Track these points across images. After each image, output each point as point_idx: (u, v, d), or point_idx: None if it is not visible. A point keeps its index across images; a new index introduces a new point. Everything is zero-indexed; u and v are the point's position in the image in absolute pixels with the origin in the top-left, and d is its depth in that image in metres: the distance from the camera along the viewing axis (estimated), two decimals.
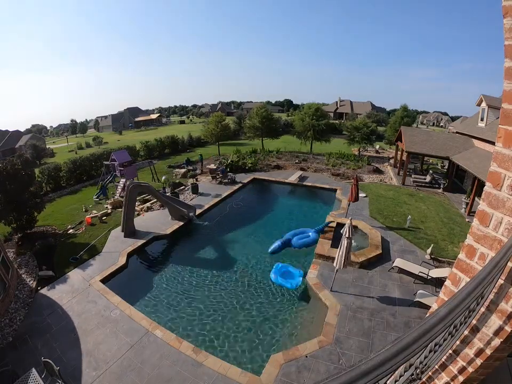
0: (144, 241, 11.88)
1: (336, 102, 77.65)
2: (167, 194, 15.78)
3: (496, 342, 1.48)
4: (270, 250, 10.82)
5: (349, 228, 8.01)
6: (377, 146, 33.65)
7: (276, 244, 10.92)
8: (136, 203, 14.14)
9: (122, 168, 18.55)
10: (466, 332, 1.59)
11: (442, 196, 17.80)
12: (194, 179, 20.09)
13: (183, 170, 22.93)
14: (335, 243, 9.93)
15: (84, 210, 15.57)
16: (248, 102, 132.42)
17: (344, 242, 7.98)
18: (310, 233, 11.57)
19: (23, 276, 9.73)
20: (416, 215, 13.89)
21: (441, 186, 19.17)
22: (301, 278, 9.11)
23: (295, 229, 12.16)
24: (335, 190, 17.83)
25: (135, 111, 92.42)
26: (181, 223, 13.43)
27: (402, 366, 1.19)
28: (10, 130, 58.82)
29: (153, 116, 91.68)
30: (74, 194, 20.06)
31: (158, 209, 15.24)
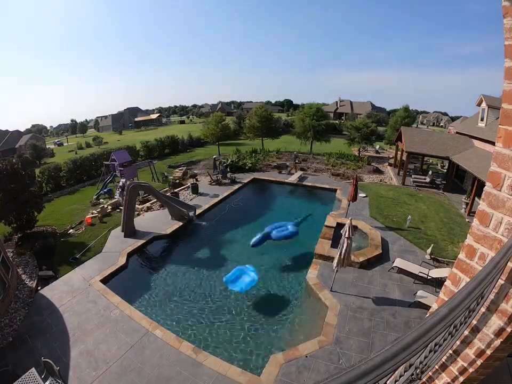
0: (144, 241, 11.87)
1: (336, 102, 77.66)
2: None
3: (496, 342, 1.48)
4: (251, 243, 10.95)
5: (349, 227, 8.01)
6: (377, 147, 33.64)
7: (256, 237, 11.07)
8: (136, 203, 14.14)
9: (122, 168, 18.56)
10: (466, 332, 1.59)
11: (442, 195, 17.80)
12: (194, 179, 20.09)
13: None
14: (335, 243, 9.92)
15: (91, 204, 16.04)
16: (248, 102, 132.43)
17: (344, 242, 7.99)
18: (289, 226, 11.77)
19: (23, 276, 9.73)
20: (416, 215, 13.89)
21: (441, 186, 19.20)
22: (253, 282, 8.54)
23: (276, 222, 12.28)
24: (335, 190, 17.82)
25: (135, 111, 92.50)
26: (181, 223, 13.43)
27: (402, 366, 1.19)
28: (10, 130, 58.87)
29: (153, 116, 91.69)
30: (74, 194, 20.07)
31: (158, 209, 15.24)
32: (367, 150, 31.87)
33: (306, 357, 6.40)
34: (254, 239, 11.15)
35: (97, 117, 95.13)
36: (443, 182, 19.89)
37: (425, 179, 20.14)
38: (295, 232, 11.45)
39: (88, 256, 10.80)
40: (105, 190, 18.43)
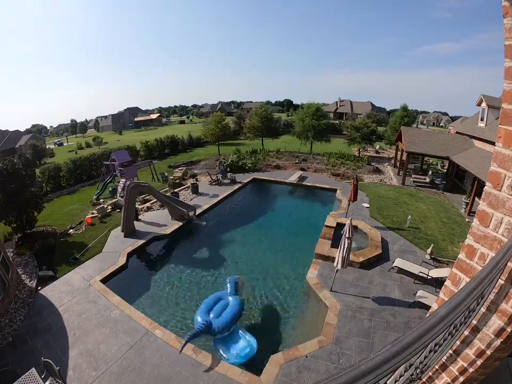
0: (144, 241, 11.87)
1: (336, 102, 77.64)
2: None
3: (496, 342, 1.48)
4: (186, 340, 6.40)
5: (349, 227, 8.01)
6: (377, 147, 33.64)
7: (187, 336, 6.46)
8: (136, 203, 14.14)
9: (122, 168, 18.57)
10: (466, 332, 1.59)
11: (442, 195, 17.80)
12: (194, 179, 20.09)
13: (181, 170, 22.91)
14: (335, 243, 9.92)
15: (91, 204, 16.08)
16: (248, 102, 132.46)
17: (345, 242, 7.98)
18: (230, 299, 7.52)
19: (23, 276, 9.73)
20: (416, 215, 13.89)
21: (440, 186, 19.21)
22: (252, 350, 6.44)
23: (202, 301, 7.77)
24: (335, 190, 17.82)
25: (135, 111, 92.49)
26: (181, 223, 13.43)
27: (402, 366, 1.19)
28: (10, 130, 58.89)
29: (153, 116, 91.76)
30: (74, 194, 20.07)
31: (158, 209, 15.24)
32: (367, 150, 31.86)
33: (306, 357, 6.40)
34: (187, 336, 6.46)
35: (97, 117, 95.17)
36: (443, 182, 19.89)
37: (425, 179, 20.14)
38: (240, 309, 7.36)
39: (88, 256, 10.80)
40: (110, 190, 18.46)
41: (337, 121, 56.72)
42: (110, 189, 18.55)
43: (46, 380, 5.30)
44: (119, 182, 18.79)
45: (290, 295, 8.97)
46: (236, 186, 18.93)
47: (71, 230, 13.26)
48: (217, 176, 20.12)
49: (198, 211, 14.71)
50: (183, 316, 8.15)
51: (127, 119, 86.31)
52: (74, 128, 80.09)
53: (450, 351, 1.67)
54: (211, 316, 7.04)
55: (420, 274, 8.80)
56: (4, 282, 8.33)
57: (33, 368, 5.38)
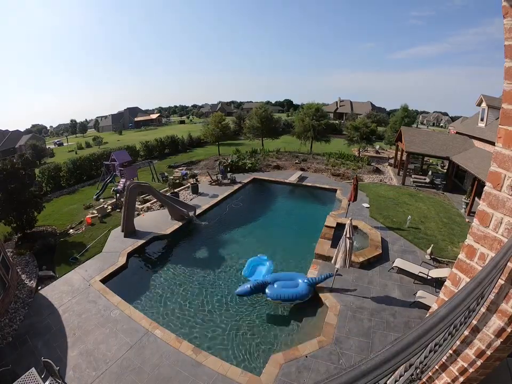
0: (144, 241, 11.87)
1: (336, 102, 77.60)
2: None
3: (496, 342, 1.48)
4: (236, 291, 8.41)
5: (349, 227, 8.01)
6: (377, 147, 33.65)
7: (246, 285, 8.34)
8: (136, 203, 14.14)
9: (122, 168, 18.56)
10: (466, 332, 1.59)
11: (442, 196, 17.81)
12: (194, 179, 20.09)
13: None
14: (335, 243, 9.92)
15: (84, 208, 15.74)
16: (248, 102, 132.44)
17: (345, 242, 7.97)
18: (300, 281, 8.50)
19: (23, 276, 9.73)
20: (416, 215, 13.89)
21: (440, 186, 19.21)
22: (270, 270, 8.75)
23: (280, 272, 9.27)
24: (335, 190, 17.82)
25: (135, 111, 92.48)
26: (181, 223, 13.43)
27: (402, 366, 1.19)
28: (10, 130, 58.90)
29: (153, 116, 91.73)
30: (74, 194, 20.07)
31: (158, 209, 15.24)
32: (367, 150, 31.87)
33: (306, 357, 6.40)
34: (241, 288, 8.40)
35: (97, 117, 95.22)
36: (443, 182, 19.89)
37: (425, 179, 20.14)
38: (305, 295, 8.15)
39: (88, 256, 10.80)
40: (113, 190, 18.32)
41: (337, 121, 56.72)
42: (113, 188, 18.27)
43: (46, 379, 5.30)
44: (119, 182, 18.78)
45: None
46: (236, 187, 18.93)
47: (71, 230, 13.26)
48: (217, 176, 20.12)
49: (198, 211, 14.71)
50: (183, 315, 8.14)
51: (127, 119, 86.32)
52: (74, 128, 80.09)
53: (450, 351, 1.68)
54: (275, 285, 8.37)
55: (420, 274, 8.80)
56: (4, 282, 8.33)
57: (33, 368, 5.38)
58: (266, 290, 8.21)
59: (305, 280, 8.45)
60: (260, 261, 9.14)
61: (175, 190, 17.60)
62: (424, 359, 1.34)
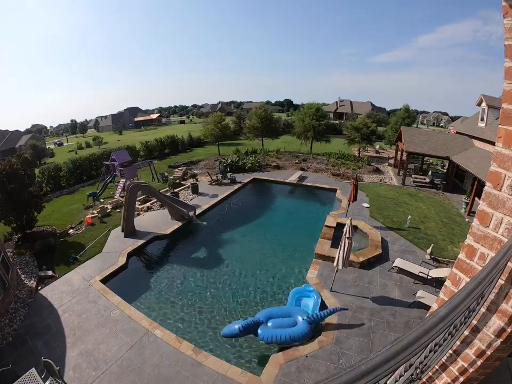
0: (144, 241, 11.87)
1: (336, 102, 77.59)
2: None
3: (497, 342, 1.48)
4: (223, 332, 6.95)
5: (349, 227, 8.01)
6: (377, 147, 33.65)
7: (235, 326, 6.87)
8: (136, 203, 14.14)
9: (122, 168, 18.56)
10: (466, 332, 1.59)
11: (442, 195, 17.81)
12: (194, 179, 20.09)
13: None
14: (335, 243, 9.93)
15: (84, 208, 15.65)
16: (248, 102, 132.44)
17: (345, 242, 7.98)
18: (300, 319, 7.22)
19: (23, 276, 9.73)
20: (416, 215, 13.89)
21: (440, 186, 19.21)
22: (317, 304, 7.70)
23: (271, 308, 7.84)
24: (335, 190, 17.82)
25: (135, 111, 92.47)
26: (181, 223, 13.43)
27: (402, 366, 1.19)
28: (10, 130, 58.88)
29: (153, 116, 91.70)
30: (74, 194, 20.07)
31: (158, 209, 15.24)
32: (367, 150, 31.87)
33: (306, 357, 6.40)
34: (228, 328, 6.92)
35: (97, 117, 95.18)
36: (443, 182, 19.89)
37: (425, 179, 20.14)
38: (304, 336, 6.83)
39: (88, 256, 10.79)
40: (100, 192, 18.25)
41: (337, 121, 56.72)
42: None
43: (46, 379, 5.30)
44: (119, 182, 18.78)
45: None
46: (236, 186, 18.93)
47: (71, 230, 13.26)
48: (217, 176, 20.12)
49: (198, 211, 14.71)
50: (183, 315, 8.14)
51: (127, 119, 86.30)
52: (74, 128, 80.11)
53: (450, 351, 1.67)
54: (269, 324, 7.09)
55: (420, 274, 8.80)
56: (4, 282, 8.33)
57: (33, 368, 5.38)
58: (259, 331, 6.86)
59: (305, 318, 7.10)
60: (305, 292, 8.15)
61: (175, 190, 17.60)
62: (424, 359, 1.34)
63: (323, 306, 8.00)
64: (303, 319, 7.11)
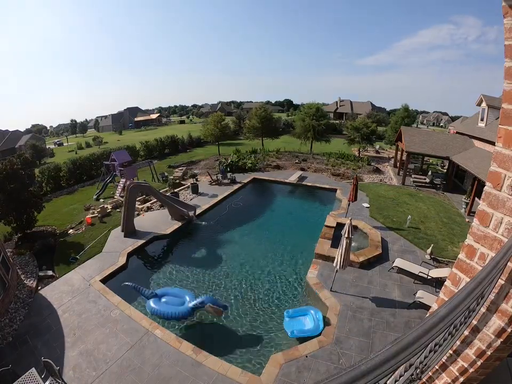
0: (144, 241, 11.87)
1: (336, 102, 77.60)
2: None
3: (497, 342, 1.48)
4: (124, 283, 8.44)
5: (349, 227, 8.01)
6: (377, 147, 33.65)
7: (131, 284, 8.31)
8: (136, 203, 14.14)
9: (122, 168, 18.56)
10: (466, 332, 1.59)
11: (442, 195, 17.81)
12: (194, 179, 20.09)
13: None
14: (335, 243, 9.92)
15: (85, 209, 15.63)
16: (248, 102, 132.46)
17: (344, 242, 7.98)
18: (187, 298, 7.98)
19: (23, 276, 9.73)
20: (416, 215, 13.89)
21: (439, 186, 19.21)
22: (320, 322, 7.32)
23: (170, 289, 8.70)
24: (335, 190, 17.82)
25: (135, 111, 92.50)
26: (181, 223, 13.43)
27: (402, 366, 1.19)
28: (10, 130, 58.88)
29: (153, 116, 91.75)
30: (74, 194, 20.07)
31: (158, 209, 15.24)
32: (367, 150, 31.87)
33: (306, 357, 6.40)
34: (127, 284, 8.36)
35: (97, 117, 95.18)
36: (443, 182, 19.89)
37: (425, 179, 20.14)
38: (183, 316, 7.59)
39: (88, 256, 10.79)
40: (100, 192, 18.25)
41: (337, 121, 56.72)
42: (101, 190, 17.53)
43: (46, 379, 5.30)
44: (119, 182, 18.78)
45: (290, 294, 8.97)
46: (236, 186, 18.93)
47: (71, 230, 13.26)
48: (217, 176, 20.13)
49: (198, 211, 14.71)
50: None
51: (127, 119, 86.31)
52: (74, 128, 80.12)
53: (450, 351, 1.67)
54: (162, 299, 7.99)
55: (420, 274, 8.80)
56: (4, 282, 8.33)
57: (33, 368, 5.37)
58: (150, 303, 7.78)
59: (191, 305, 7.65)
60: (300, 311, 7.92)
61: (175, 190, 17.61)
62: (424, 359, 1.34)
63: (323, 306, 7.99)
64: (189, 302, 7.81)
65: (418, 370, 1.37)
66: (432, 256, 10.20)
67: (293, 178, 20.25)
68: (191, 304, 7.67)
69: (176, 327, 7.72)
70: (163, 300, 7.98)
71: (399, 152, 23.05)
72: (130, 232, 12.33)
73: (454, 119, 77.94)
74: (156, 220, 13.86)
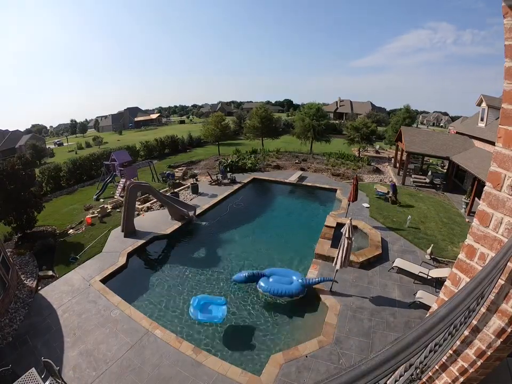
0: (144, 241, 11.87)
1: (336, 102, 77.57)
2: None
3: (497, 342, 1.48)
4: (234, 278, 9.16)
5: (349, 227, 8.01)
6: (377, 147, 33.64)
7: (242, 274, 9.01)
8: (136, 203, 14.14)
9: (122, 168, 18.56)
10: (466, 332, 1.59)
11: (442, 195, 17.81)
12: (194, 179, 20.09)
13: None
14: (335, 243, 9.92)
15: (85, 209, 15.63)
16: (248, 102, 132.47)
17: (344, 242, 7.98)
18: (294, 278, 8.79)
19: (23, 276, 9.73)
20: (416, 215, 13.89)
21: (439, 186, 19.21)
22: (225, 307, 7.73)
23: (276, 268, 9.57)
24: (335, 190, 17.82)
25: (135, 111, 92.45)
26: (181, 223, 13.43)
27: (402, 366, 1.19)
28: (10, 130, 58.90)
29: (153, 116, 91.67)
30: (74, 194, 20.07)
31: (158, 209, 15.24)
32: (367, 150, 31.87)
33: (306, 357, 6.40)
34: (238, 275, 9.10)
35: (97, 117, 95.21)
36: (443, 182, 19.89)
37: (425, 179, 20.15)
38: (295, 293, 8.34)
39: (88, 256, 10.79)
40: (100, 192, 18.21)
41: (337, 121, 56.71)
42: (101, 190, 17.25)
43: (46, 379, 5.30)
44: (119, 182, 18.78)
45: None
46: (236, 186, 18.93)
47: (71, 230, 13.25)
48: (217, 176, 20.13)
49: (198, 211, 14.71)
50: (183, 315, 8.14)
51: (127, 119, 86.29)
52: (74, 128, 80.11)
53: (450, 351, 1.67)
54: (270, 279, 8.81)
55: (420, 274, 8.80)
56: (4, 282, 8.33)
57: (33, 368, 5.37)
58: (260, 283, 8.70)
59: (300, 280, 8.64)
60: (210, 300, 8.14)
61: (175, 190, 17.60)
62: (424, 359, 1.34)
63: (323, 306, 7.97)
64: (298, 281, 8.63)
65: (418, 370, 1.37)
66: (432, 256, 10.20)
67: (293, 178, 20.24)
68: (311, 281, 8.57)
69: (177, 327, 7.71)
70: (271, 279, 8.79)
71: (399, 152, 23.05)
72: (130, 232, 12.33)
73: (454, 119, 77.98)
74: (156, 220, 13.86)
